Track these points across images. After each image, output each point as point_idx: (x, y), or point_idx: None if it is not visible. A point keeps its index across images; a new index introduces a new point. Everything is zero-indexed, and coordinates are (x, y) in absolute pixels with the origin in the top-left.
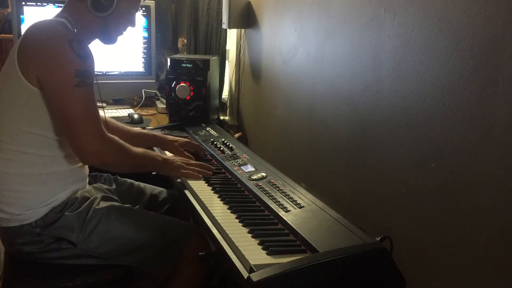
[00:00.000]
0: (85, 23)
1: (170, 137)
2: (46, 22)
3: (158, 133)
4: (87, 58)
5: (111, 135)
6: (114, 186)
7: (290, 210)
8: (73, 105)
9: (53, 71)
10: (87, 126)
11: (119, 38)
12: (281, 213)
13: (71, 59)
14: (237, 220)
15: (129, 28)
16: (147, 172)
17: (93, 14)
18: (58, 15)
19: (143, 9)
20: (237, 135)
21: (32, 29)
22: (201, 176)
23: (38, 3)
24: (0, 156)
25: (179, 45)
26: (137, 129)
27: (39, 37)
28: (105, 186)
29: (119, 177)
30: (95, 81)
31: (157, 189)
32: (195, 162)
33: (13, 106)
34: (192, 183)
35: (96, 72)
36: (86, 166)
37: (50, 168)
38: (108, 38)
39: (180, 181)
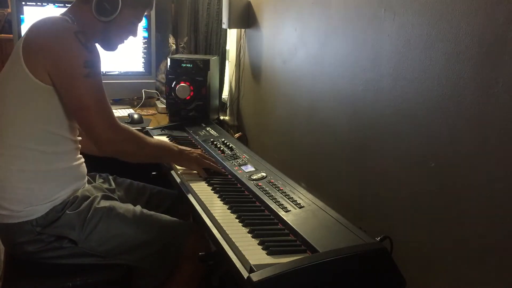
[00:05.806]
0: (88, 25)
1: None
2: (49, 18)
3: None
4: (93, 48)
5: (125, 125)
6: (113, 186)
7: (290, 210)
8: (85, 95)
9: (63, 64)
10: (100, 114)
11: (120, 46)
12: (281, 213)
13: (79, 50)
14: (237, 220)
15: (131, 38)
16: (150, 166)
17: (96, 18)
18: (61, 14)
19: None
20: (237, 135)
21: (35, 26)
22: (214, 170)
23: (38, 3)
24: (2, 152)
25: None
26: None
27: (45, 32)
28: (105, 186)
29: (118, 177)
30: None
31: (156, 188)
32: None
33: (19, 104)
34: (193, 184)
35: None
36: (84, 165)
37: (51, 165)
38: (108, 44)
39: (180, 181)
